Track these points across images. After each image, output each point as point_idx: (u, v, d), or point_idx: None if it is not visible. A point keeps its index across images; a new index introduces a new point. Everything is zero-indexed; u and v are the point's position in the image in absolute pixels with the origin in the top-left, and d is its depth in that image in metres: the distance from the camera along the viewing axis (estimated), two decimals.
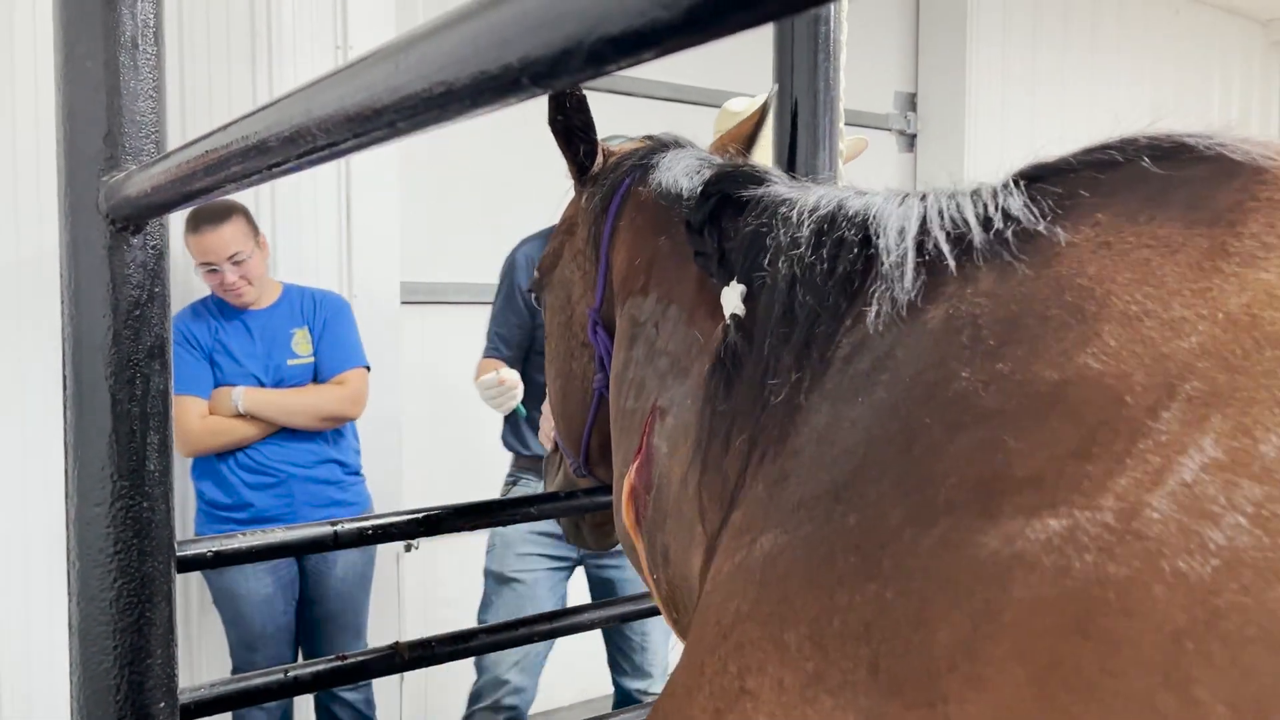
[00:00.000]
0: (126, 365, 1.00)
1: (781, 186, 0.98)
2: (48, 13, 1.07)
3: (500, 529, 2.76)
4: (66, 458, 1.03)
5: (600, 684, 3.28)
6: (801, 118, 1.43)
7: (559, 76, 0.43)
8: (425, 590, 3.78)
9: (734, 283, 0.93)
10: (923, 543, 0.57)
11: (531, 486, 2.75)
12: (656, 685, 2.86)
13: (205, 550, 1.19)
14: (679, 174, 1.15)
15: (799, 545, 0.67)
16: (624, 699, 2.93)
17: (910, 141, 5.26)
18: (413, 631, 3.40)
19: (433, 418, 3.77)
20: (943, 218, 0.74)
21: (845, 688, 0.58)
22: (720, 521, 0.82)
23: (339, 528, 1.29)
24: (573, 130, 1.23)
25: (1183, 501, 0.48)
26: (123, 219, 0.97)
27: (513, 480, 2.85)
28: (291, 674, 1.25)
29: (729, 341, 0.91)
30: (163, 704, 1.03)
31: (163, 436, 1.03)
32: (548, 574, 2.75)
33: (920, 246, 0.74)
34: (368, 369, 2.99)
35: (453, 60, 0.47)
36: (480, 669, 2.75)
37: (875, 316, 0.73)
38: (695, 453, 0.92)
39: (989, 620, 0.52)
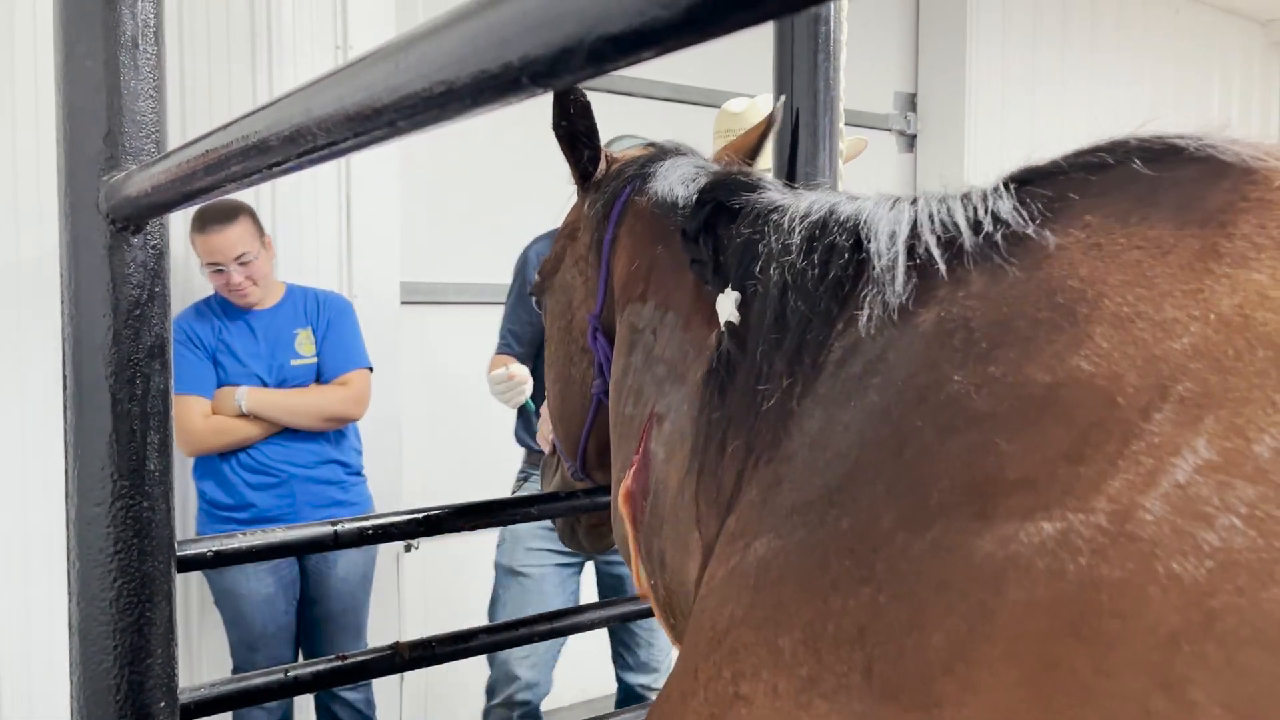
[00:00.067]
0: (126, 365, 1.00)
1: (774, 193, 0.98)
2: (48, 13, 1.08)
3: None
4: (66, 457, 1.03)
5: (601, 684, 3.28)
6: (802, 118, 1.44)
7: (559, 75, 0.43)
8: (425, 590, 3.78)
9: (728, 290, 0.93)
10: (916, 546, 0.57)
11: None
12: (660, 681, 2.85)
13: (205, 550, 1.19)
14: (675, 182, 1.15)
15: (793, 550, 0.67)
16: (627, 694, 2.92)
17: (910, 142, 5.25)
18: (413, 631, 3.40)
19: (432, 418, 3.77)
20: (933, 221, 0.74)
21: (840, 692, 0.58)
22: (716, 527, 0.82)
23: (339, 528, 1.29)
24: (576, 135, 1.22)
25: (1176, 503, 0.48)
26: (123, 219, 0.97)
27: (524, 476, 2.85)
28: (292, 674, 1.26)
29: (723, 348, 0.91)
30: (163, 704, 1.04)
31: (163, 436, 1.03)
32: (555, 570, 2.76)
33: (911, 250, 0.74)
34: (370, 370, 2.99)
35: (453, 59, 0.47)
36: (492, 661, 2.76)
37: (867, 320, 0.73)
38: (691, 459, 0.92)
39: (983, 623, 0.52)
